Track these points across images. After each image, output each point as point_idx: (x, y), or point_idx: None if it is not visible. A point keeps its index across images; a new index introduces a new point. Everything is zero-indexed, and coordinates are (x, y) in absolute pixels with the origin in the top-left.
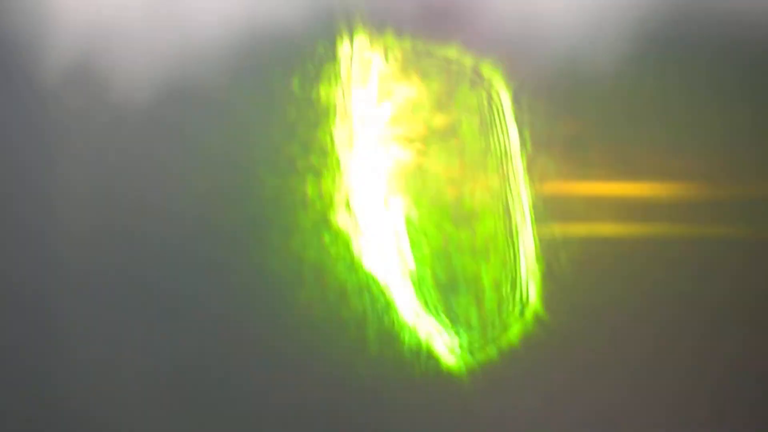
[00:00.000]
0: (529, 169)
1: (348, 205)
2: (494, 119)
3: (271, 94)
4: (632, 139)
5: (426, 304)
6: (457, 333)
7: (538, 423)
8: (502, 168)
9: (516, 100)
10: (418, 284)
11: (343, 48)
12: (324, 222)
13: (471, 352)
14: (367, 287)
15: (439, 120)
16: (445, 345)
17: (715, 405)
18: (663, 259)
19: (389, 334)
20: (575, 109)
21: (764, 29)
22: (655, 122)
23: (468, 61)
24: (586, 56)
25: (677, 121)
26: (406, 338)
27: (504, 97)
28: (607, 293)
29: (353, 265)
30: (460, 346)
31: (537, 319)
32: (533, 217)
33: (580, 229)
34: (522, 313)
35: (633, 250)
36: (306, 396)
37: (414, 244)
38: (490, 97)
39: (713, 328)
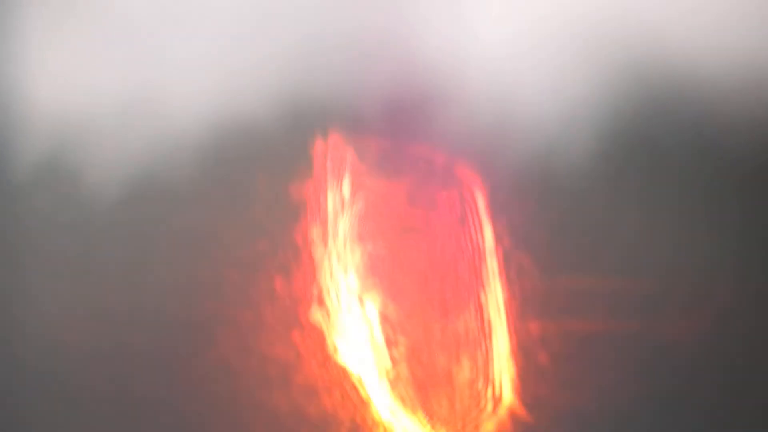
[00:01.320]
0: (506, 265)
1: (321, 301)
2: (468, 216)
3: (241, 192)
4: (606, 234)
5: (401, 400)
6: (433, 430)
7: None
8: (476, 265)
9: (491, 197)
10: (394, 380)
11: (316, 146)
12: (294, 319)
13: None
14: (339, 384)
15: (413, 217)
16: None
17: None
18: (639, 354)
19: (364, 429)
20: (550, 205)
21: (734, 135)
22: (626, 218)
23: (440, 158)
24: (560, 153)
25: (648, 218)
26: None
27: (478, 193)
28: (585, 388)
29: (325, 362)
30: None
31: (513, 415)
32: (508, 313)
33: (556, 325)
34: (495, 410)
35: (610, 344)
36: None
37: (389, 341)
38: (462, 194)
39: (698, 418)
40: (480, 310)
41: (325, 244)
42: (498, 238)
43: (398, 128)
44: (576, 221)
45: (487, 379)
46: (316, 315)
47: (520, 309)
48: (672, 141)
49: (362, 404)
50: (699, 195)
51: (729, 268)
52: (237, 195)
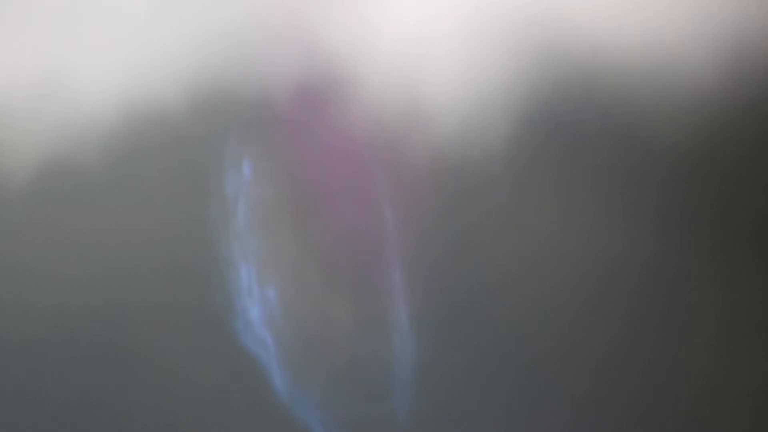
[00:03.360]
0: (409, 250)
1: (223, 285)
2: (372, 200)
3: (148, 175)
4: (515, 220)
5: (299, 383)
6: (331, 412)
7: None
8: (379, 249)
9: (399, 181)
10: (292, 363)
11: (223, 130)
12: (196, 303)
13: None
14: (238, 366)
15: (317, 200)
16: (319, 424)
17: None
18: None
19: (264, 412)
20: (462, 190)
21: (646, 121)
22: (537, 203)
23: (348, 143)
24: (474, 138)
25: (560, 204)
26: (280, 417)
27: (385, 178)
28: (478, 372)
29: (228, 345)
30: (334, 426)
31: (409, 401)
32: (408, 299)
33: (455, 310)
34: (397, 395)
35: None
36: None
37: (287, 323)
38: (369, 179)
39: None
40: (380, 294)
41: (227, 228)
42: (403, 223)
43: (306, 113)
44: (486, 206)
45: (385, 362)
46: (218, 299)
47: (422, 294)
48: (585, 126)
49: (261, 387)
50: (612, 181)
51: (641, 255)
52: (145, 178)
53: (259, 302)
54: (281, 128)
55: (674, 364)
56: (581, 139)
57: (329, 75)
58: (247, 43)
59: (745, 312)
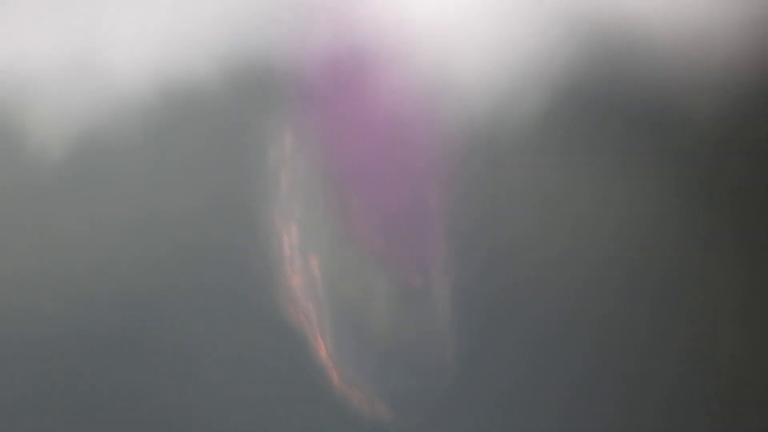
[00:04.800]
0: (448, 223)
1: (265, 254)
2: (413, 172)
3: (184, 150)
4: (554, 194)
5: (341, 353)
6: (374, 382)
7: None
8: (419, 220)
9: (437, 153)
10: (334, 333)
11: (260, 104)
12: (238, 271)
13: (387, 403)
14: (280, 335)
15: (355, 172)
16: (361, 394)
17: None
18: (570, 304)
19: (305, 382)
20: (497, 163)
21: (685, 95)
22: (575, 177)
23: (385, 116)
24: (510, 110)
25: (597, 178)
26: (323, 387)
27: (423, 150)
28: (515, 340)
29: (271, 315)
30: (376, 396)
31: (451, 372)
32: (451, 271)
33: (494, 283)
34: (440, 366)
35: (539, 295)
36: None
37: (329, 293)
38: (407, 151)
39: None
40: (421, 266)
41: (269, 197)
42: (441, 195)
43: (341, 86)
44: (520, 177)
45: (426, 334)
46: (260, 271)
47: (460, 268)
48: (618, 98)
49: (302, 358)
50: (643, 152)
51: (671, 224)
52: (180, 153)
53: (300, 273)
54: (319, 102)
55: (705, 348)
56: (614, 111)
57: (364, 49)
58: (281, 19)
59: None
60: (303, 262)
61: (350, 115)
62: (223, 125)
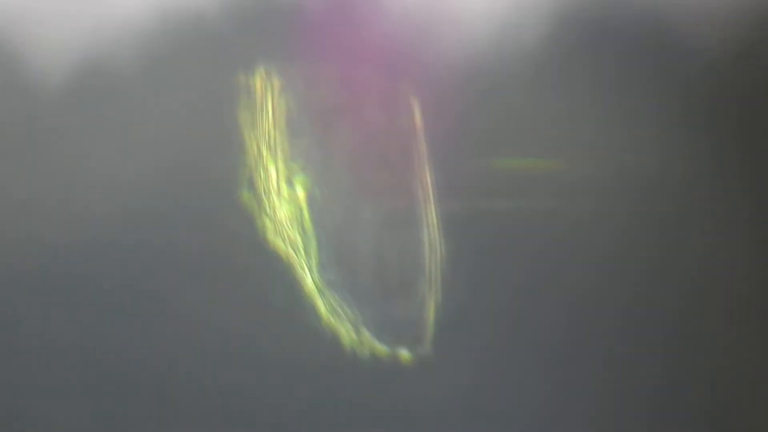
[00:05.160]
0: (430, 146)
1: (251, 184)
2: (395, 99)
3: (184, 78)
4: (532, 117)
5: (328, 282)
6: (361, 311)
7: (441, 407)
8: (404, 146)
9: (430, 81)
10: (321, 262)
11: (255, 34)
12: (225, 201)
13: (373, 332)
14: (271, 266)
15: (343, 100)
16: (348, 323)
17: (620, 375)
18: (563, 235)
19: (292, 312)
20: (474, 91)
21: (689, 22)
22: (554, 102)
23: (377, 43)
24: (511, 37)
25: (575, 101)
26: (310, 317)
27: (413, 78)
28: (505, 270)
29: (257, 244)
30: (363, 324)
31: (438, 298)
32: (436, 195)
33: (481, 207)
34: (428, 291)
35: (531, 225)
36: (207, 375)
37: (316, 222)
38: (392, 78)
39: (618, 306)
40: (408, 192)
41: (256, 128)
42: (431, 122)
43: (335, 15)
44: (517, 105)
45: (417, 261)
46: (247, 197)
47: (450, 192)
48: (620, 24)
49: (292, 286)
50: (644, 79)
51: (671, 155)
52: (178, 81)
53: (288, 202)
54: (311, 30)
55: (711, 285)
56: (616, 37)
57: None
58: None
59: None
60: (291, 193)
61: (346, 45)
62: (220, 54)
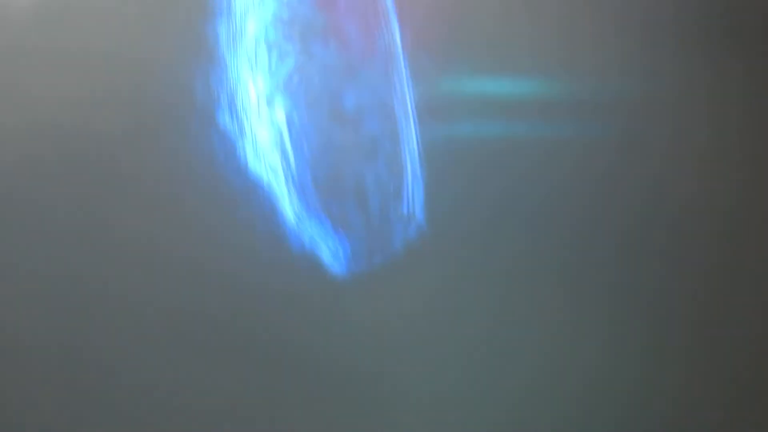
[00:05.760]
0: (412, 68)
1: (230, 105)
2: (377, 18)
3: None
4: (515, 36)
5: (309, 207)
6: (341, 238)
7: (418, 328)
8: (386, 67)
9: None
10: (301, 187)
11: None
12: (205, 121)
13: (354, 258)
14: (253, 191)
15: (323, 19)
16: (328, 250)
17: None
18: (546, 160)
19: (274, 238)
20: (458, 9)
21: None
22: (539, 19)
23: None
24: None
25: (565, 19)
26: (290, 243)
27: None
28: (487, 194)
29: (238, 169)
30: (343, 251)
31: (419, 224)
32: (417, 117)
33: (463, 130)
34: (407, 218)
35: (514, 149)
36: (190, 301)
37: (296, 146)
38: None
39: (598, 231)
40: (389, 113)
41: (235, 47)
42: (405, 41)
43: None
44: (484, 22)
45: (398, 186)
46: (225, 119)
47: (427, 114)
48: None
49: (273, 212)
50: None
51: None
52: None
53: (267, 124)
54: None
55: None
56: None
57: None
58: None
59: (731, 115)
60: (270, 113)
61: None
62: None
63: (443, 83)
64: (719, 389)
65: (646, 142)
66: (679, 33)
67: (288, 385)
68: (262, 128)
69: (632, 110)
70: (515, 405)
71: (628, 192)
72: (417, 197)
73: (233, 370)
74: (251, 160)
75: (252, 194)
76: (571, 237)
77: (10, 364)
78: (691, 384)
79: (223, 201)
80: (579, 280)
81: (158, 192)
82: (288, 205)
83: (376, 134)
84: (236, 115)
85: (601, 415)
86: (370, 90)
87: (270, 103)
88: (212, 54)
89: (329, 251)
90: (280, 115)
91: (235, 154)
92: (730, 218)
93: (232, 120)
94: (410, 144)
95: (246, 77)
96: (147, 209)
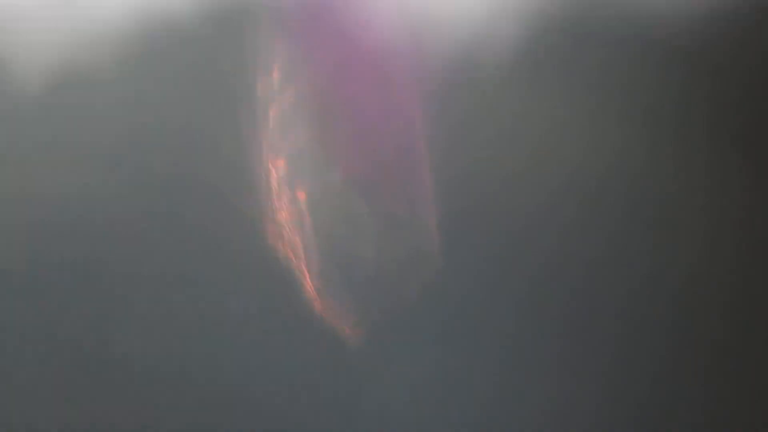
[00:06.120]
0: (431, 152)
1: (252, 187)
2: (395, 101)
3: (165, 82)
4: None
5: (327, 282)
6: (358, 313)
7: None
8: (403, 150)
9: (417, 84)
10: (319, 265)
11: (244, 37)
12: (223, 204)
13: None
14: (271, 267)
15: (341, 104)
16: (346, 323)
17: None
18: (558, 233)
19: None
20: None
21: (657, 25)
22: (544, 106)
23: (367, 47)
24: (486, 43)
25: (566, 106)
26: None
27: (405, 81)
28: (504, 271)
29: (257, 246)
30: (361, 325)
31: (434, 304)
32: (434, 197)
33: (479, 209)
34: (423, 296)
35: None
36: (210, 375)
37: (317, 226)
38: (390, 82)
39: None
40: (405, 194)
41: (257, 131)
42: (422, 124)
43: (325, 20)
44: (497, 107)
45: (412, 263)
46: (249, 202)
47: (443, 194)
48: (589, 24)
49: (290, 290)
50: (613, 75)
51: (639, 149)
52: (159, 85)
53: (288, 204)
54: (302, 36)
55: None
56: (585, 38)
57: None
58: None
59: (733, 208)
60: (291, 196)
61: (334, 49)
62: (203, 58)
63: (459, 163)
64: None
65: (647, 217)
66: (680, 116)
67: None
68: (283, 211)
69: (634, 186)
70: None
71: (631, 266)
72: (432, 274)
73: None
74: (271, 241)
75: (272, 272)
76: (576, 299)
77: None
78: None
79: (242, 280)
80: (582, 336)
81: (184, 270)
82: (306, 282)
83: (393, 213)
84: (257, 198)
85: None
86: (391, 170)
87: (291, 185)
88: (232, 139)
89: (347, 326)
90: (301, 198)
91: (255, 236)
92: (730, 289)
93: (253, 203)
94: (429, 224)
95: (267, 161)
96: (173, 284)
